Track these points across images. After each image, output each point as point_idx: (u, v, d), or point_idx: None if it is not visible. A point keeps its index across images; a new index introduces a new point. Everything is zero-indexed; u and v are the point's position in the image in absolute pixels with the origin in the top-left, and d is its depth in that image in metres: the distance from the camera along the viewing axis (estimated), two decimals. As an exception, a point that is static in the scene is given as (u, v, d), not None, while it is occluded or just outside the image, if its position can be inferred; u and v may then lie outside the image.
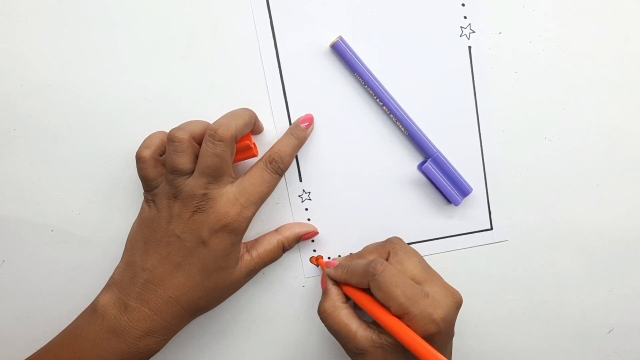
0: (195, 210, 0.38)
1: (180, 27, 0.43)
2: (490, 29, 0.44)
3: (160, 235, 0.39)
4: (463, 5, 0.44)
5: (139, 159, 0.39)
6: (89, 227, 0.45)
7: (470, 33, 0.44)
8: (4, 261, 0.46)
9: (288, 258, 0.47)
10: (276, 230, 0.45)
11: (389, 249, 0.42)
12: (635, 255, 0.47)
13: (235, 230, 0.39)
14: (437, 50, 0.44)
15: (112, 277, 0.40)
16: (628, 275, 0.48)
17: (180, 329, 0.41)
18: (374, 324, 0.40)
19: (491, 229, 0.47)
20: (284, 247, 0.44)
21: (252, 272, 0.42)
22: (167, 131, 0.41)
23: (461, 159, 0.46)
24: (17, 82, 0.43)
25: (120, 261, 0.41)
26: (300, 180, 0.46)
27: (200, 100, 0.44)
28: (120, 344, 0.38)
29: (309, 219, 0.46)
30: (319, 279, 0.47)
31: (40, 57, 0.43)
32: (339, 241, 0.47)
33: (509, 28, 0.44)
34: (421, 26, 0.44)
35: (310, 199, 0.46)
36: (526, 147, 0.45)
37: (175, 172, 0.38)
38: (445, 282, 0.40)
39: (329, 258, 0.47)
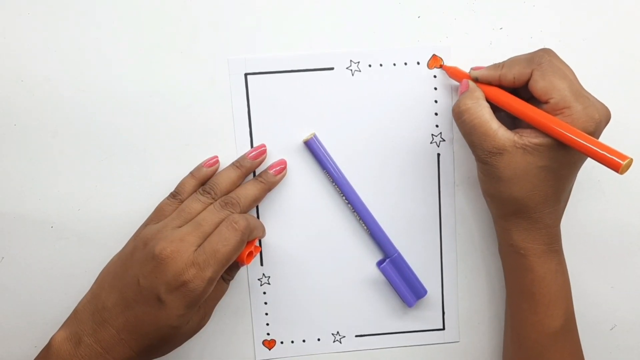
0: (157, 264, 0.37)
1: (181, 22, 0.43)
2: (491, 24, 0.44)
3: (127, 276, 0.39)
4: (436, 114, 0.45)
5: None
6: (89, 223, 0.45)
7: (440, 141, 0.45)
8: (3, 257, 0.45)
9: (239, 341, 0.48)
10: None
11: (537, 63, 0.38)
12: (637, 251, 0.48)
13: (193, 291, 0.37)
14: (407, 154, 0.45)
15: (76, 308, 0.40)
16: (630, 272, 0.48)
17: None
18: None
19: (443, 329, 0.48)
20: (227, 279, 0.43)
21: (205, 317, 0.42)
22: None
23: (420, 259, 0.47)
24: (17, 77, 0.43)
25: (89, 290, 0.41)
26: (262, 265, 0.46)
27: (201, 96, 0.44)
28: None
29: (265, 303, 0.47)
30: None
31: (40, 51, 0.43)
32: (294, 327, 0.47)
33: (510, 23, 0.44)
34: (394, 129, 0.45)
35: (269, 284, 0.47)
36: None
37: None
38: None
39: (281, 343, 0.48)
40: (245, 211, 0.42)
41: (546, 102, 0.37)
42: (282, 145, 0.45)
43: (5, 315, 0.46)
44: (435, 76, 0.44)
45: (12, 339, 0.47)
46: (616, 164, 0.34)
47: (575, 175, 0.40)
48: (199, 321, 0.41)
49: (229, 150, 0.45)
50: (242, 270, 0.46)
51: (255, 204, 0.43)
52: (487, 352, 0.49)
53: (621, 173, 0.34)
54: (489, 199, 0.41)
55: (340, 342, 0.48)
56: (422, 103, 0.45)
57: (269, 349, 0.48)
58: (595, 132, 0.37)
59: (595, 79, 0.45)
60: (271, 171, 0.44)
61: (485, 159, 0.38)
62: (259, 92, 0.44)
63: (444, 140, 0.45)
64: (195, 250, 0.38)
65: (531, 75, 0.38)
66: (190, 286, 0.37)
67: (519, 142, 0.37)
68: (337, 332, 0.48)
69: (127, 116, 0.44)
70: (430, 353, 0.48)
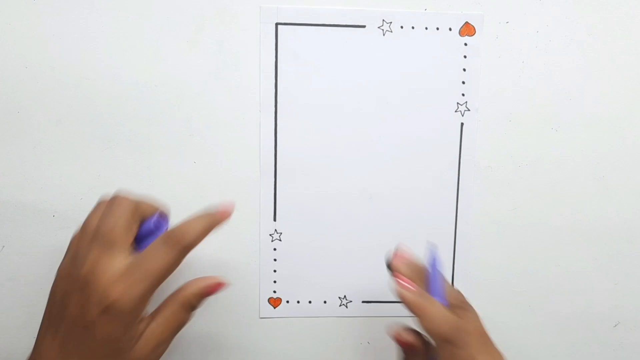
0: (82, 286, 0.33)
1: (187, 11, 0.43)
2: (498, 18, 0.44)
3: (56, 306, 0.35)
4: (463, 83, 0.45)
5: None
6: (91, 213, 0.45)
7: (465, 110, 0.45)
8: (4, 246, 0.45)
9: (244, 296, 0.47)
10: (177, 290, 0.36)
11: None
12: (640, 248, 0.47)
13: (122, 310, 0.32)
14: (430, 120, 0.45)
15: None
16: (634, 269, 0.48)
17: None
18: None
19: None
20: (190, 306, 0.36)
21: (161, 344, 0.35)
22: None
23: (434, 227, 0.46)
24: (22, 64, 0.43)
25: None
26: (275, 220, 0.46)
27: (206, 85, 0.44)
28: None
29: (275, 259, 0.46)
30: (276, 321, 0.47)
31: (45, 39, 0.43)
32: (301, 286, 0.47)
33: (517, 17, 0.44)
34: (419, 94, 0.45)
35: (280, 240, 0.46)
36: (532, 138, 0.45)
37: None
38: None
39: (287, 302, 0.47)
40: (189, 246, 0.35)
41: None
42: (307, 101, 0.44)
43: (5, 305, 0.46)
44: (466, 44, 0.44)
45: (12, 329, 0.46)
46: None
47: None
48: (154, 346, 0.34)
49: (252, 108, 0.44)
50: (254, 224, 0.46)
51: (199, 239, 0.35)
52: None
53: None
54: None
55: (347, 307, 0.47)
56: (451, 70, 0.44)
57: (274, 307, 0.47)
58: None
59: (600, 74, 0.45)
60: (219, 210, 0.36)
61: None
62: (288, 44, 0.44)
63: (468, 110, 0.45)
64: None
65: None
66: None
67: None
68: (344, 297, 0.47)
69: (131, 105, 0.44)
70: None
